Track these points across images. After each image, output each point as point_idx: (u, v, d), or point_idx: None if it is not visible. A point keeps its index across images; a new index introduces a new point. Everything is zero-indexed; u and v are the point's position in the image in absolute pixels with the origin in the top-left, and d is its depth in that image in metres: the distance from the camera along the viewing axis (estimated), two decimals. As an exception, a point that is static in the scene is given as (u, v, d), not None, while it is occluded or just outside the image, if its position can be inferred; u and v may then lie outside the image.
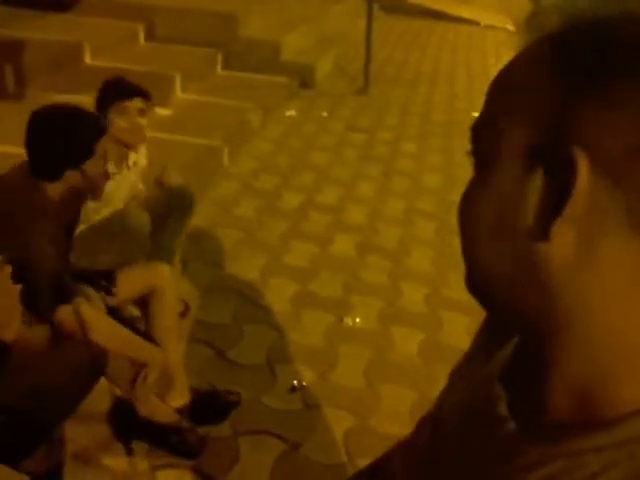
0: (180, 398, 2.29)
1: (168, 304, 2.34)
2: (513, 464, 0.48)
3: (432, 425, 0.64)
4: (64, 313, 1.89)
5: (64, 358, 1.92)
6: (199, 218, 3.52)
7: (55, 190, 1.97)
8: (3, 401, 1.77)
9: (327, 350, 2.68)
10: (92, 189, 2.10)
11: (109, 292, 2.18)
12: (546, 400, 0.48)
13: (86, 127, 1.99)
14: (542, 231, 0.43)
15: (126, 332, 2.07)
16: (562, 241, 0.43)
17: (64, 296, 1.90)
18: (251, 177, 4.22)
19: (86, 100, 4.35)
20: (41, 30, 5.11)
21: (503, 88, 0.49)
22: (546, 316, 0.46)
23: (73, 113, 2.00)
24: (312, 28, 7.01)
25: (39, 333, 1.96)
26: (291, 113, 5.52)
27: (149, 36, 6.18)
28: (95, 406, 2.23)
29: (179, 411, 2.25)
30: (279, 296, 3.01)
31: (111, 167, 2.53)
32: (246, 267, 3.23)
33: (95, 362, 1.98)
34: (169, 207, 2.80)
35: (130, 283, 2.24)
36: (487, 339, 0.61)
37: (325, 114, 5.66)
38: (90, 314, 1.92)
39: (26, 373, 1.86)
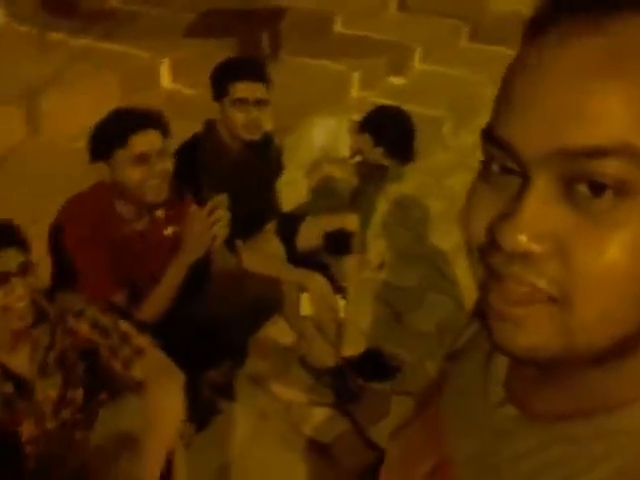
0: (352, 347, 2.44)
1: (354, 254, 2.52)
2: (511, 449, 0.47)
3: (433, 405, 0.62)
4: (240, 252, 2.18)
5: (250, 284, 2.19)
6: (409, 186, 3.63)
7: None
8: (200, 313, 2.05)
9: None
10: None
11: None
12: (555, 390, 0.46)
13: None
14: None
15: (279, 261, 2.31)
16: None
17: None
18: (469, 151, 4.19)
19: (332, 67, 4.68)
20: (297, -1, 5.53)
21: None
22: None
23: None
24: None
25: (231, 262, 2.26)
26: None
27: (401, 7, 6.34)
28: (278, 340, 2.51)
29: (347, 360, 2.41)
30: (467, 273, 3.00)
31: None
32: (443, 238, 3.26)
33: (273, 294, 2.22)
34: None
35: (317, 228, 2.44)
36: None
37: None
38: (244, 254, 2.18)
39: (221, 291, 2.15)
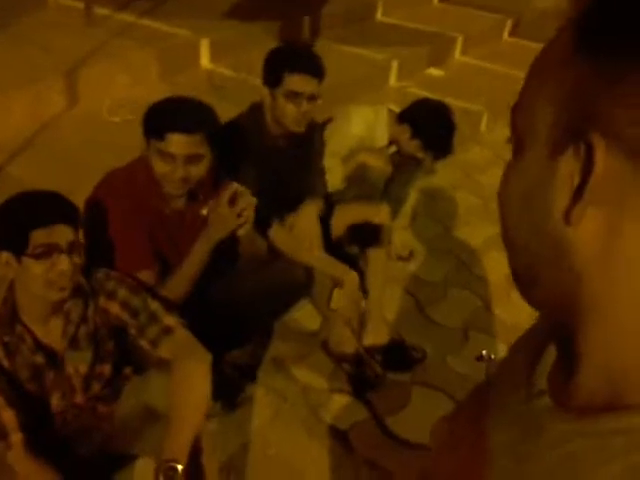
0: (374, 337, 2.46)
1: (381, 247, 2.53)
2: (541, 439, 0.48)
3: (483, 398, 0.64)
4: (275, 232, 2.18)
5: (278, 269, 2.21)
6: (441, 178, 3.62)
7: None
8: (228, 298, 2.07)
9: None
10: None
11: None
12: (578, 380, 0.48)
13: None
14: (566, 215, 0.43)
15: (323, 254, 2.31)
16: (586, 227, 0.43)
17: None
18: (505, 147, 4.15)
19: (371, 55, 4.64)
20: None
21: (535, 69, 0.48)
22: (573, 299, 0.46)
23: None
24: None
25: (261, 246, 2.28)
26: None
27: (443, -2, 6.27)
28: (303, 324, 2.53)
29: (369, 349, 2.42)
30: (496, 269, 2.98)
31: None
32: (472, 234, 3.25)
33: (302, 279, 2.23)
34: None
35: (346, 217, 2.45)
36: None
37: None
38: (280, 236, 2.20)
39: (248, 276, 2.17)
